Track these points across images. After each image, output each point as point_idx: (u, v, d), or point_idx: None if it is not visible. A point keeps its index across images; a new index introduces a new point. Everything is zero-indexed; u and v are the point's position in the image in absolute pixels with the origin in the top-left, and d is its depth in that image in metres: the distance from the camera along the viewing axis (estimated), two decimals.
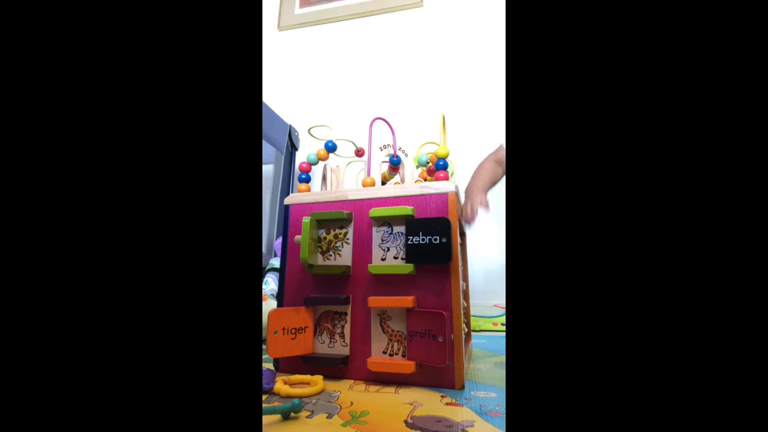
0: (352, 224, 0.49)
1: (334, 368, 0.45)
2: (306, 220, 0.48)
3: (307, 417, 0.32)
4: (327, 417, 0.32)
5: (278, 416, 0.31)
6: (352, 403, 0.35)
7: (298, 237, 0.49)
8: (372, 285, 0.47)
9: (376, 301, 0.44)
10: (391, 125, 0.58)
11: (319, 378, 0.42)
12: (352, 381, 0.44)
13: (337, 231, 0.50)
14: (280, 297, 0.51)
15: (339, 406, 0.35)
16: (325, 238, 0.50)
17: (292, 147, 1.24)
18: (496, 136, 0.93)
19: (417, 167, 0.60)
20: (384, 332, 0.45)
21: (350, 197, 0.50)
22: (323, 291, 0.49)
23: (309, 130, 0.63)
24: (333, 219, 0.49)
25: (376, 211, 0.47)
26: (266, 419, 0.31)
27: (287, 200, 0.53)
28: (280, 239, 1.13)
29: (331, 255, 0.50)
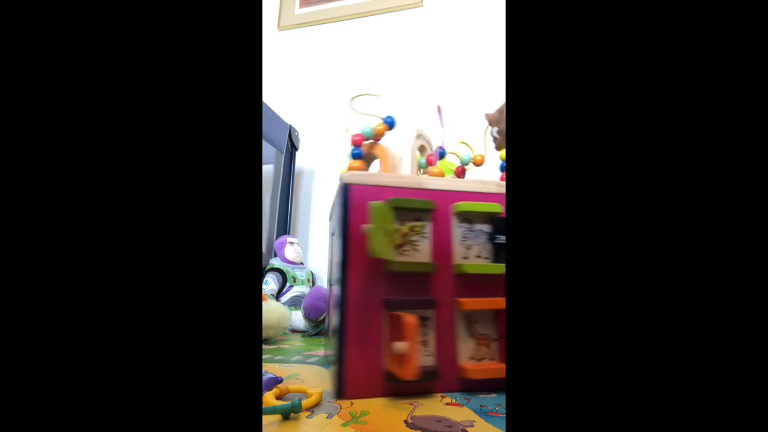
0: (431, 217, 0.43)
1: (424, 383, 0.39)
2: (380, 205, 0.39)
3: (307, 417, 0.32)
4: (327, 417, 0.32)
5: (278, 416, 0.31)
6: (352, 403, 0.35)
7: (369, 225, 0.39)
8: (456, 285, 0.42)
9: (470, 303, 0.41)
10: (442, 116, 0.55)
11: (316, 390, 0.37)
12: (440, 395, 0.39)
13: (414, 223, 0.43)
14: (344, 298, 0.40)
15: (339, 406, 0.35)
16: (398, 230, 0.43)
17: (292, 147, 1.25)
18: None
19: (459, 165, 0.59)
20: (471, 336, 0.42)
21: (426, 186, 0.44)
22: (400, 292, 0.41)
23: (352, 100, 0.55)
24: (411, 209, 0.42)
25: (462, 206, 0.43)
26: (266, 419, 0.31)
27: (346, 178, 0.43)
28: (281, 239, 1.13)
29: (407, 250, 0.43)
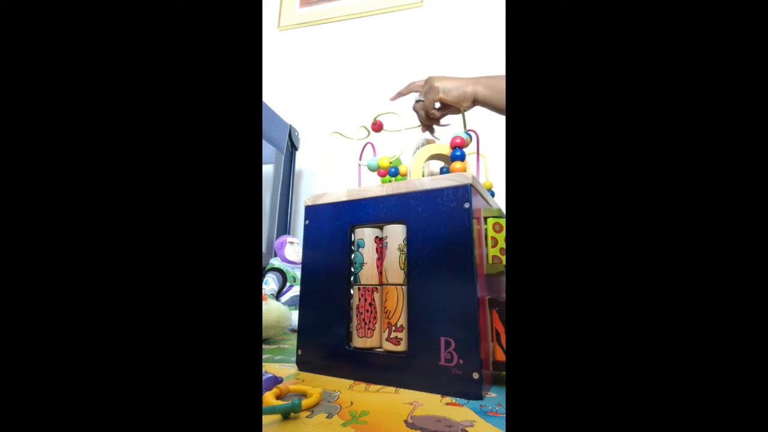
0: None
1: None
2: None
3: (307, 417, 0.32)
4: (327, 417, 0.32)
5: (278, 416, 0.31)
6: (352, 403, 0.35)
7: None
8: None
9: None
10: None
11: (316, 390, 0.37)
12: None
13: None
14: (469, 301, 0.40)
15: (339, 406, 0.34)
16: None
17: (292, 147, 1.25)
18: (496, 137, 0.93)
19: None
20: None
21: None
22: (491, 292, 0.45)
23: (376, 118, 0.63)
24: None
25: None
26: (266, 419, 0.31)
27: (471, 179, 0.42)
28: (281, 239, 1.12)
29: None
